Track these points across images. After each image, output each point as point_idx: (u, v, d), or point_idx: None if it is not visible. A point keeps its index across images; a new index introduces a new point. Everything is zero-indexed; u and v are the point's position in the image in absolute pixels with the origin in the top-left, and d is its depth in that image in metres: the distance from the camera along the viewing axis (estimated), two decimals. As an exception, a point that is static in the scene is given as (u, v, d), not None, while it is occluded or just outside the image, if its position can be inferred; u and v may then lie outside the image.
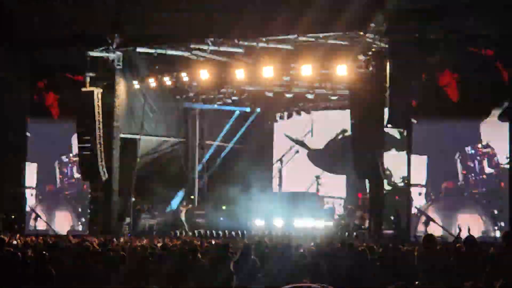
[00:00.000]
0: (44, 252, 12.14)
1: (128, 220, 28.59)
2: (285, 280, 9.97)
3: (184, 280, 12.02)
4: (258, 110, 33.90)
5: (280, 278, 10.70)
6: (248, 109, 33.96)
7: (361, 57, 23.50)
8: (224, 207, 30.33)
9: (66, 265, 12.39)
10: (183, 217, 29.85)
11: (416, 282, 11.02)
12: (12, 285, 10.73)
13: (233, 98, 30.99)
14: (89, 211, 28.21)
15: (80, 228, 28.12)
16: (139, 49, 27.13)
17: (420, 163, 23.06)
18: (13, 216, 29.50)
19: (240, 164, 31.90)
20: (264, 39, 24.48)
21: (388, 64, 22.82)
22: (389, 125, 23.55)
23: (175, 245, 16.90)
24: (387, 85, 22.76)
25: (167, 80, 28.13)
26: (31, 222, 28.87)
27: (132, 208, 29.20)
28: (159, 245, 16.11)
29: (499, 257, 10.96)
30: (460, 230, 12.33)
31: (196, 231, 27.96)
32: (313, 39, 24.30)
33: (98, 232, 25.67)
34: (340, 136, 32.63)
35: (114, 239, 19.80)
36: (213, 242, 18.88)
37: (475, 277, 10.79)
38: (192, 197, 32.53)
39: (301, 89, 28.65)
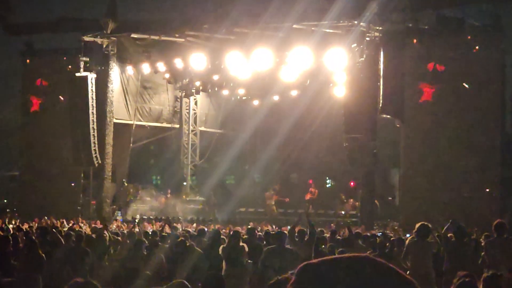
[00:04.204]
0: (34, 238, 12.18)
1: (120, 205, 28.62)
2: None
3: (177, 265, 12.08)
4: (256, 102, 33.70)
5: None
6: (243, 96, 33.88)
7: (355, 46, 23.46)
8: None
9: (59, 250, 12.44)
10: (272, 203, 28.96)
11: (407, 272, 11.11)
12: (3, 269, 10.76)
13: (227, 84, 30.87)
14: (81, 196, 28.19)
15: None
16: (133, 35, 27.06)
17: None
18: (5, 200, 29.51)
19: (234, 151, 31.79)
20: (258, 26, 24.41)
21: (381, 53, 22.81)
22: (383, 114, 23.57)
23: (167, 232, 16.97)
24: (381, 74, 22.77)
25: (161, 66, 28.08)
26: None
27: (125, 193, 29.19)
28: (151, 231, 16.17)
29: (489, 247, 11.05)
30: (450, 221, 12.38)
31: None
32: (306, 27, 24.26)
33: (90, 218, 25.72)
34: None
35: (107, 225, 19.84)
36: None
37: (466, 267, 10.88)
38: (184, 183, 32.49)
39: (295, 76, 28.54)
